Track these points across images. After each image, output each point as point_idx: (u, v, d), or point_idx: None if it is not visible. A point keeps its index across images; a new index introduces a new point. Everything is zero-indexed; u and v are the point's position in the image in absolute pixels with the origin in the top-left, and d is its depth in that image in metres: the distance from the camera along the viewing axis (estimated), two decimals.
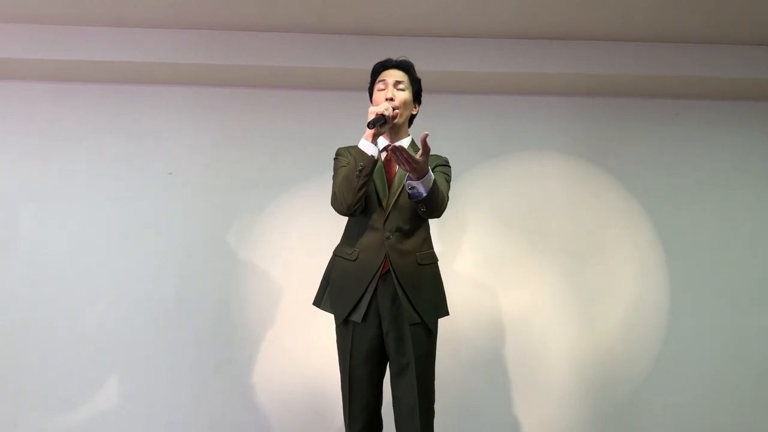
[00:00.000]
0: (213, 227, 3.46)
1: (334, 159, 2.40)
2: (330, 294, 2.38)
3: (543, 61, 3.34)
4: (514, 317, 3.44)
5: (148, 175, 3.47)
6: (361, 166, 2.18)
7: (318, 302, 2.41)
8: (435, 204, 2.22)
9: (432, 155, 2.39)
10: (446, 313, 2.38)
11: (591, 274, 3.48)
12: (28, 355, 3.33)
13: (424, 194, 2.16)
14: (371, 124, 2.18)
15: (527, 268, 3.48)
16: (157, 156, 3.48)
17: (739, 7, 3.04)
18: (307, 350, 3.35)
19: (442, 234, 3.46)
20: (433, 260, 2.37)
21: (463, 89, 3.52)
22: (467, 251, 3.49)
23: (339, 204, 2.26)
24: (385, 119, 2.21)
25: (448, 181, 2.40)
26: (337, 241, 2.42)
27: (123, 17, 3.24)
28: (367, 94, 2.43)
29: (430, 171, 2.17)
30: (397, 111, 2.29)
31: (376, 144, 2.21)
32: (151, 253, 3.42)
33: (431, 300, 2.33)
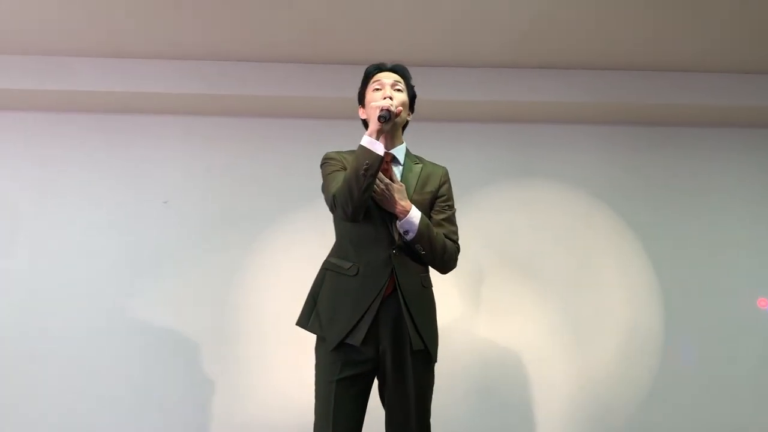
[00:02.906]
0: (207, 255, 3.45)
1: (323, 164, 2.23)
2: (320, 313, 2.12)
3: (534, 89, 3.38)
4: (508, 347, 3.41)
5: (142, 204, 3.48)
6: (366, 164, 1.99)
7: (304, 323, 2.15)
8: (433, 253, 2.11)
9: (429, 163, 2.29)
10: (437, 341, 2.22)
11: (584, 302, 3.48)
12: (16, 386, 3.28)
13: (411, 236, 2.07)
14: (382, 117, 2.04)
15: (519, 297, 3.47)
16: (152, 185, 3.49)
17: (730, 36, 3.12)
18: (299, 382, 3.29)
19: None
20: (431, 284, 2.24)
21: (450, 118, 3.55)
22: (459, 281, 3.47)
23: (342, 208, 2.05)
24: (391, 114, 2.08)
25: (453, 213, 2.25)
26: None
27: (118, 48, 3.28)
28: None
29: (414, 216, 2.07)
30: (399, 108, 2.15)
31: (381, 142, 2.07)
32: (146, 283, 3.41)
33: (433, 326, 2.18)
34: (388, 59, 3.15)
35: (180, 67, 3.35)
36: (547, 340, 3.45)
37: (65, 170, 3.50)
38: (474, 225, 3.52)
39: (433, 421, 2.22)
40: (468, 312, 3.45)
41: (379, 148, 2.02)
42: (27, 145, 3.52)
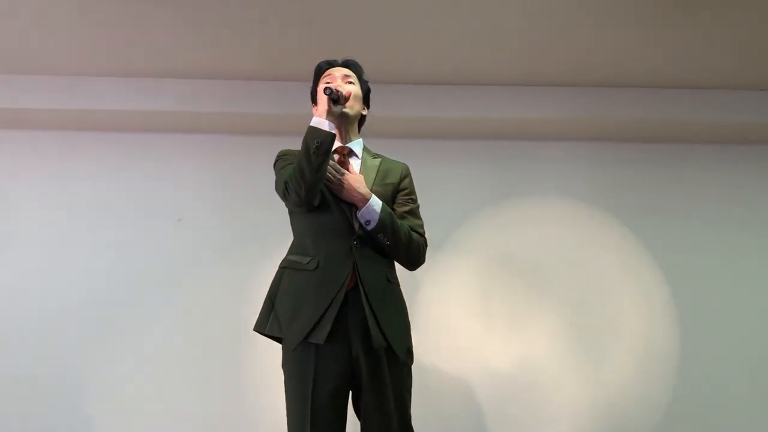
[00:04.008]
0: (220, 272, 3.48)
1: (276, 162, 2.19)
2: (279, 314, 1.99)
3: (544, 106, 3.40)
4: (517, 365, 3.41)
5: (155, 222, 3.52)
6: (317, 142, 1.92)
7: (261, 327, 2.04)
8: (398, 242, 2.02)
9: (388, 159, 2.24)
10: (411, 344, 2.08)
11: (596, 320, 3.47)
12: (28, 410, 3.31)
13: (372, 225, 1.99)
14: (328, 89, 1.99)
15: (530, 315, 3.47)
16: (165, 203, 3.53)
17: (742, 53, 3.14)
18: None
19: (443, 279, 3.45)
20: (398, 280, 2.13)
21: (465, 135, 3.56)
22: (469, 298, 3.50)
23: (295, 191, 1.97)
24: (339, 94, 2.03)
25: (417, 207, 2.18)
26: None
27: (131, 68, 3.33)
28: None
29: (374, 203, 2.00)
30: (349, 91, 2.12)
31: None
32: (158, 299, 3.44)
33: (401, 325, 2.05)
34: (395, 77, 3.23)
35: (192, 86, 3.39)
36: (560, 357, 3.43)
37: (78, 188, 3.55)
38: (484, 241, 3.53)
39: None
40: (477, 329, 3.43)
41: (327, 126, 1.96)
42: (40, 164, 3.58)
